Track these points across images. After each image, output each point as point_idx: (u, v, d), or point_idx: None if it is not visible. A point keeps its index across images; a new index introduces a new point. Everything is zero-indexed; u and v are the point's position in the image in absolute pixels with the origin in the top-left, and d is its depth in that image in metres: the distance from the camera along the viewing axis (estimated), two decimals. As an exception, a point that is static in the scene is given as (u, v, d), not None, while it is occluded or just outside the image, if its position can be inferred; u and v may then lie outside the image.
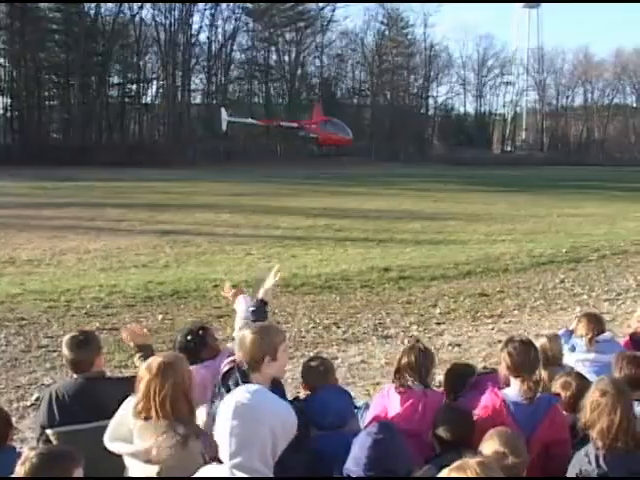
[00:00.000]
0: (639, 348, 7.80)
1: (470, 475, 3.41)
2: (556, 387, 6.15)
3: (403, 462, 4.59)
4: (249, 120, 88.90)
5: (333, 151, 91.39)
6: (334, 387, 6.28)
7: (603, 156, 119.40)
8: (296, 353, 11.66)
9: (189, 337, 6.78)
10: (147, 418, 4.74)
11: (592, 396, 4.95)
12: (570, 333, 8.30)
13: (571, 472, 4.96)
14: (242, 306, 6.69)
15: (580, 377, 6.30)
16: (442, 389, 6.61)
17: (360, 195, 45.00)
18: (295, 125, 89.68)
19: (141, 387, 4.82)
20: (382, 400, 6.18)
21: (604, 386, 4.94)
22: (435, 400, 6.03)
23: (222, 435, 3.75)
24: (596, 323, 8.35)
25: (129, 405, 5.00)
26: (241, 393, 3.87)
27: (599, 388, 4.96)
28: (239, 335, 5.38)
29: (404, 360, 6.11)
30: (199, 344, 6.65)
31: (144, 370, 4.89)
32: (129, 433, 4.87)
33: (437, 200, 42.50)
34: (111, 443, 5.05)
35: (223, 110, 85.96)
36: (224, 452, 3.74)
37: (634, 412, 5.01)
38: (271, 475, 3.79)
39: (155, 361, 4.90)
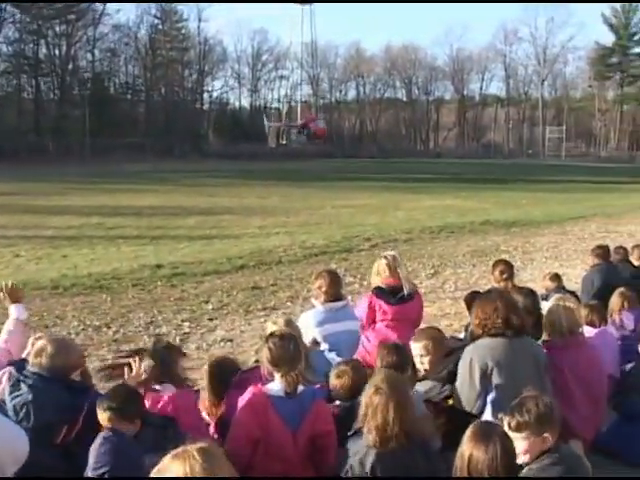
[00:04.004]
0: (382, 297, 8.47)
1: (192, 463, 3.24)
2: (332, 377, 6.19)
3: None
4: (274, 124, 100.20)
5: (108, 147, 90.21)
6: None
7: (376, 148, 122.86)
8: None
9: None
10: None
11: (367, 393, 4.96)
12: None
13: (343, 467, 4.95)
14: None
15: (356, 366, 6.36)
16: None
17: (134, 192, 43.96)
18: (303, 123, 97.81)
19: None
20: None
21: (378, 382, 4.94)
22: (188, 400, 5.95)
23: None
24: (334, 281, 8.50)
25: None
26: None
27: (373, 384, 4.97)
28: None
29: (146, 363, 5.98)
30: None
31: None
32: None
33: (212, 195, 42.29)
34: None
35: (265, 118, 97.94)
36: None
37: (412, 408, 5.02)
38: None
39: None
